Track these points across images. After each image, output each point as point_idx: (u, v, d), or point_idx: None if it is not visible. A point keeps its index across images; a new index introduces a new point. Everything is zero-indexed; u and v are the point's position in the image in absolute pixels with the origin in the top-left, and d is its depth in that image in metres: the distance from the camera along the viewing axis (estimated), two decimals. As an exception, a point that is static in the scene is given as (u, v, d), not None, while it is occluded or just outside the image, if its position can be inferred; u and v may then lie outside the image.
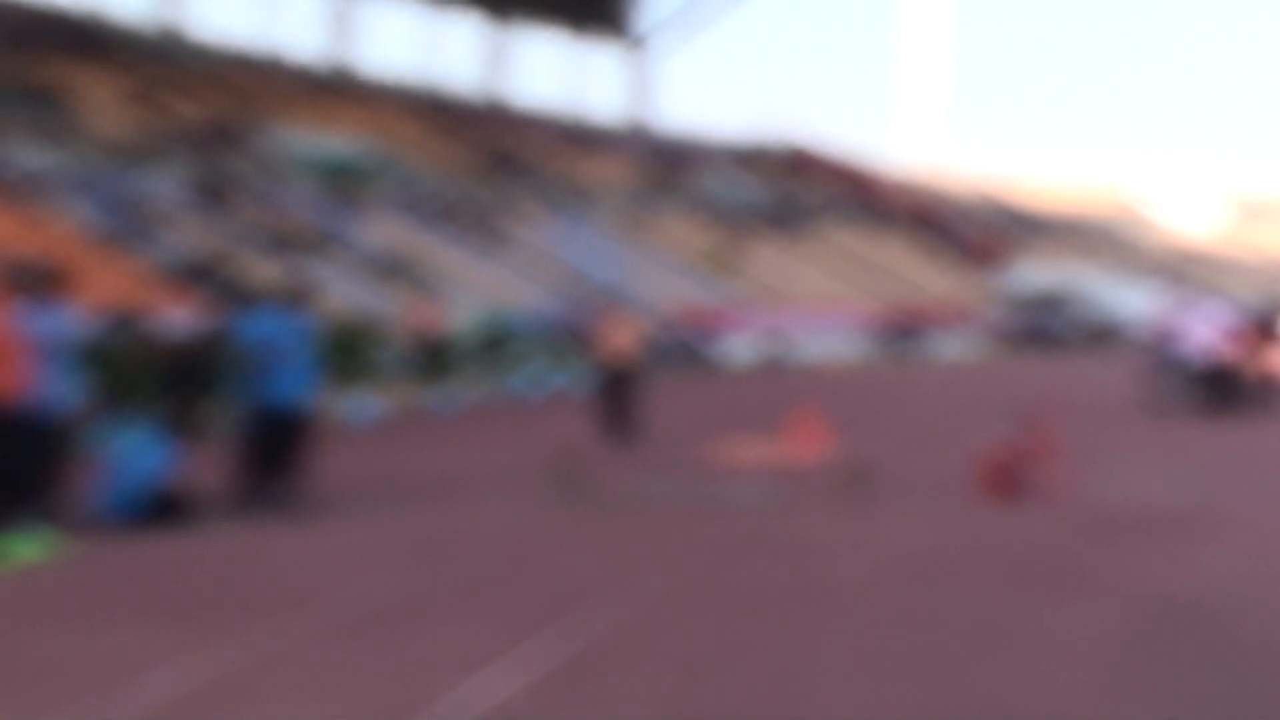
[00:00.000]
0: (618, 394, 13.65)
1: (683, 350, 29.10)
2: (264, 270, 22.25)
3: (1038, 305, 42.30)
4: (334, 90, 40.26)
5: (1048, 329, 40.20)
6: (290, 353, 9.19)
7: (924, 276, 45.20)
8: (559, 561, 7.65)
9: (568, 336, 24.45)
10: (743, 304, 34.79)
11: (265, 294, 10.49)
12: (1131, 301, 41.83)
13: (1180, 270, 55.25)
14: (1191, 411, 17.36)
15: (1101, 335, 40.27)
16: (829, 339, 34.47)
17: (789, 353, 32.05)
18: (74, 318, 8.52)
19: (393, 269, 27.16)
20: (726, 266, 37.94)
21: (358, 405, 16.44)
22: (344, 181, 31.60)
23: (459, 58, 47.17)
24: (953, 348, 37.47)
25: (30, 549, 7.66)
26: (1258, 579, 7.37)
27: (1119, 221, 67.40)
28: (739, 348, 31.25)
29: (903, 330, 36.98)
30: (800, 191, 50.63)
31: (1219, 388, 17.58)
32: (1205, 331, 17.85)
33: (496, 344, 23.30)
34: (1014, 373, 27.94)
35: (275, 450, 9.18)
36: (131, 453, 8.70)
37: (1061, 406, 16.85)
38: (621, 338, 13.84)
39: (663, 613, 6.45)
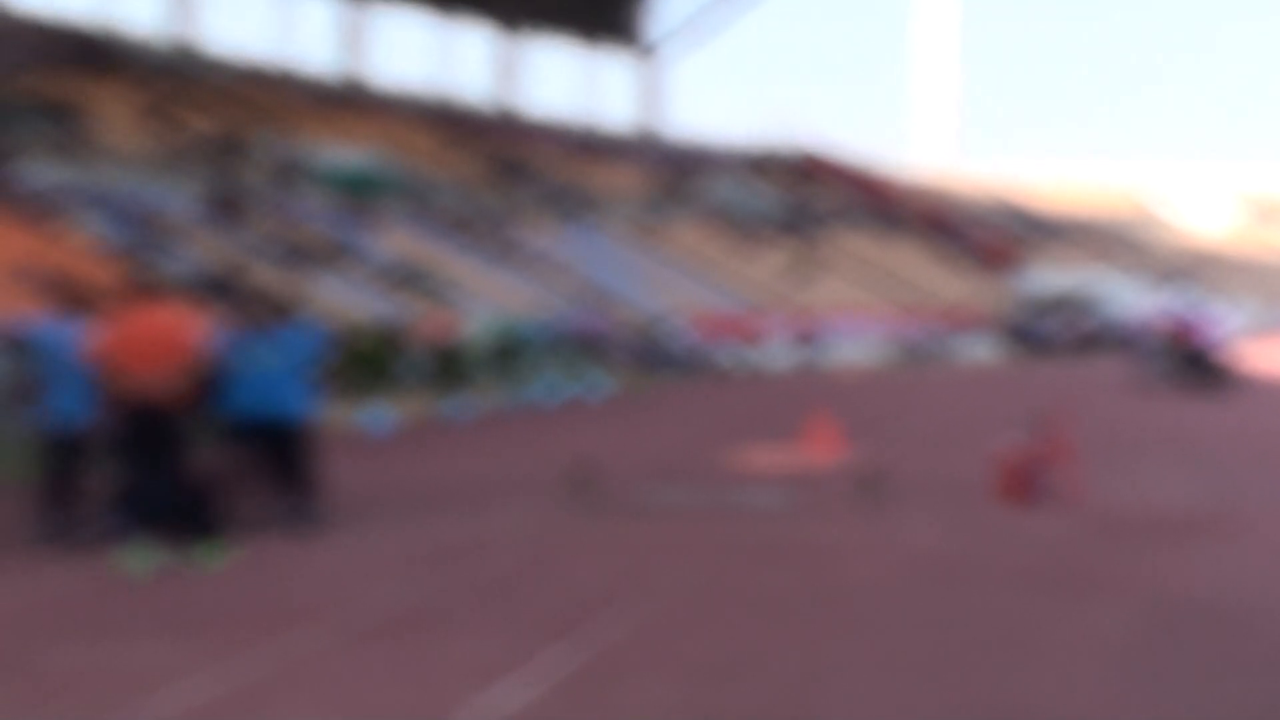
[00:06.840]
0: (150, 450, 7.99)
1: (696, 357, 29.13)
2: (278, 282, 22.32)
3: (1052, 309, 42.50)
4: (346, 102, 40.39)
5: (1062, 332, 40.40)
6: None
7: (938, 282, 45.17)
8: (575, 568, 7.66)
9: (581, 344, 24.49)
10: (758, 311, 34.80)
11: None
12: (1145, 304, 41.95)
13: (1193, 272, 55.13)
14: (1183, 392, 20.94)
15: (1115, 337, 40.37)
16: (845, 346, 34.45)
17: (805, 359, 32.05)
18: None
19: (406, 279, 27.22)
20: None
21: (373, 414, 16.48)
22: (357, 193, 31.67)
23: (470, 68, 47.34)
24: (970, 353, 37.42)
25: (214, 557, 7.80)
26: (1272, 578, 7.35)
27: (1133, 224, 67.21)
28: (755, 355, 31.26)
29: (919, 336, 36.99)
30: (812, 198, 50.70)
31: (1207, 372, 21.65)
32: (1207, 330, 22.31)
33: (511, 353, 23.33)
34: (1031, 376, 27.88)
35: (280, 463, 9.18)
36: None
37: (1076, 407, 16.80)
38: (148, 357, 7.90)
39: (679, 619, 6.46)
